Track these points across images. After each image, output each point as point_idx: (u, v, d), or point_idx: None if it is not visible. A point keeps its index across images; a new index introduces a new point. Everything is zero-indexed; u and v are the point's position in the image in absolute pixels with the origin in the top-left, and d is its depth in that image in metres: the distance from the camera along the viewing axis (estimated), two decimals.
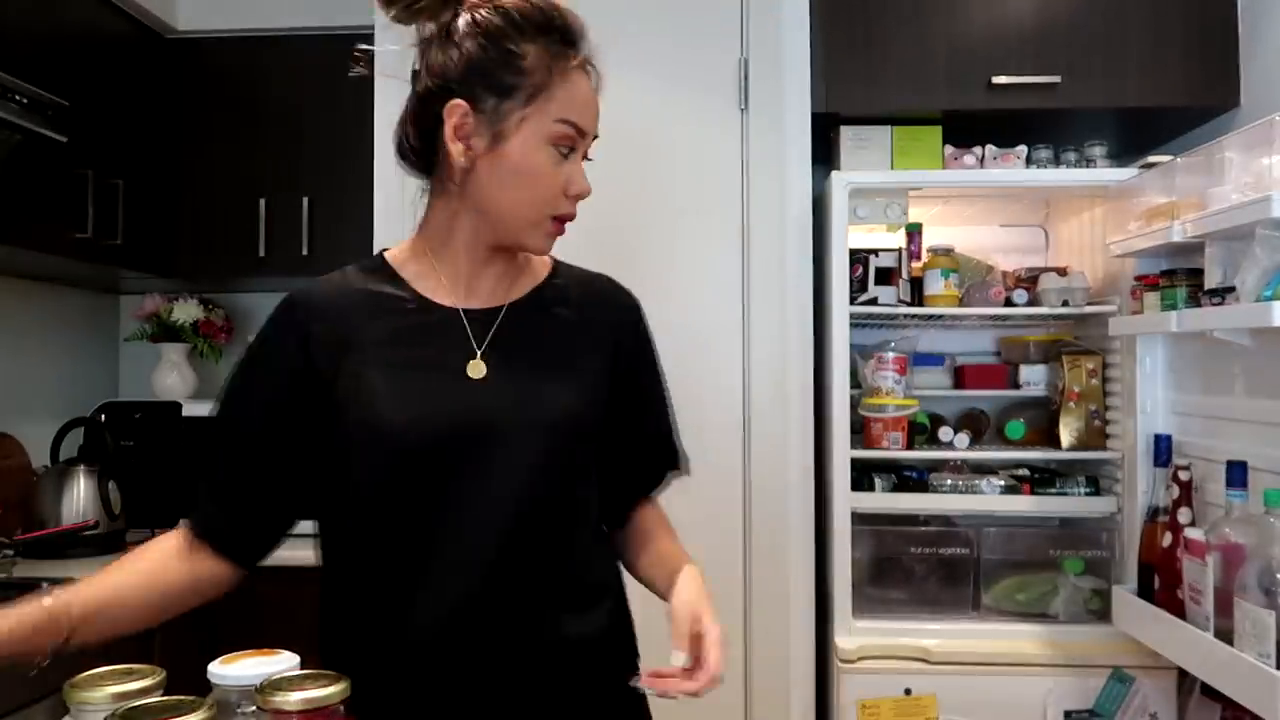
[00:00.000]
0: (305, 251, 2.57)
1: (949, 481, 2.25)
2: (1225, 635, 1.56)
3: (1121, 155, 2.42)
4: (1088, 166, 2.31)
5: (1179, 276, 1.85)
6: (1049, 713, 2.08)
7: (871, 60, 2.25)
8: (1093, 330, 2.32)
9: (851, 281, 2.23)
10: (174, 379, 2.79)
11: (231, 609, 1.73)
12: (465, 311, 1.08)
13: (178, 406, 2.65)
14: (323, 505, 1.08)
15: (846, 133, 2.31)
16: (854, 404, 2.23)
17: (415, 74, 1.08)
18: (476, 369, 1.06)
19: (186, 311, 2.78)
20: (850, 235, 2.22)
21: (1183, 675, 2.03)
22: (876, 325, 2.42)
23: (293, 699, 0.77)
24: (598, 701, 1.09)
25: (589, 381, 1.12)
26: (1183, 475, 1.82)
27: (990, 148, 2.29)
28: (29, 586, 1.88)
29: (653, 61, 2.29)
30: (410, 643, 1.02)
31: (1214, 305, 1.66)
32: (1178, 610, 1.74)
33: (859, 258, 2.28)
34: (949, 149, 2.29)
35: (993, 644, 2.12)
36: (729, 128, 2.31)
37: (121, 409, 2.66)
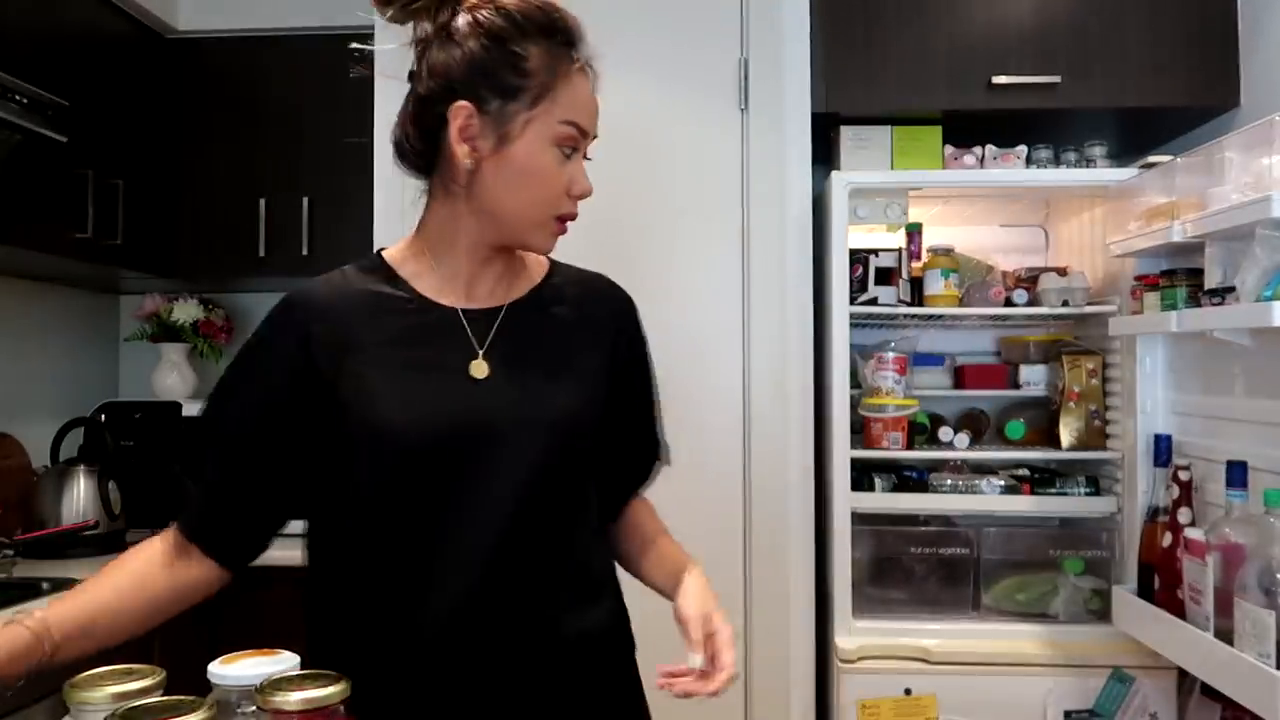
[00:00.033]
0: (305, 251, 2.58)
1: (949, 481, 2.25)
2: (1225, 635, 1.56)
3: (1121, 155, 2.42)
4: (1088, 166, 2.31)
5: (1179, 276, 1.85)
6: (1049, 713, 2.08)
7: (871, 60, 2.25)
8: (1093, 330, 2.32)
9: (851, 281, 2.23)
10: (174, 379, 2.80)
11: (231, 609, 1.74)
12: (465, 311, 1.09)
13: (178, 406, 2.66)
14: (318, 506, 1.08)
15: (846, 133, 2.31)
16: (854, 404, 2.23)
17: (413, 74, 1.08)
18: (479, 369, 1.06)
19: (186, 311, 2.78)
20: (850, 235, 2.22)
21: (1183, 675, 2.03)
22: (876, 325, 2.42)
23: (293, 699, 0.77)
24: (601, 695, 1.11)
25: (588, 380, 1.12)
26: (1183, 475, 1.82)
27: (990, 148, 2.29)
28: (29, 586, 1.91)
29: (653, 62, 2.29)
30: (413, 641, 1.02)
31: (1214, 305, 1.66)
32: (1178, 610, 1.74)
33: (859, 258, 2.28)
34: (949, 149, 2.29)
35: (993, 644, 2.12)
36: (729, 128, 2.30)
37: (121, 409, 2.66)
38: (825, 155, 2.36)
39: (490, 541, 1.03)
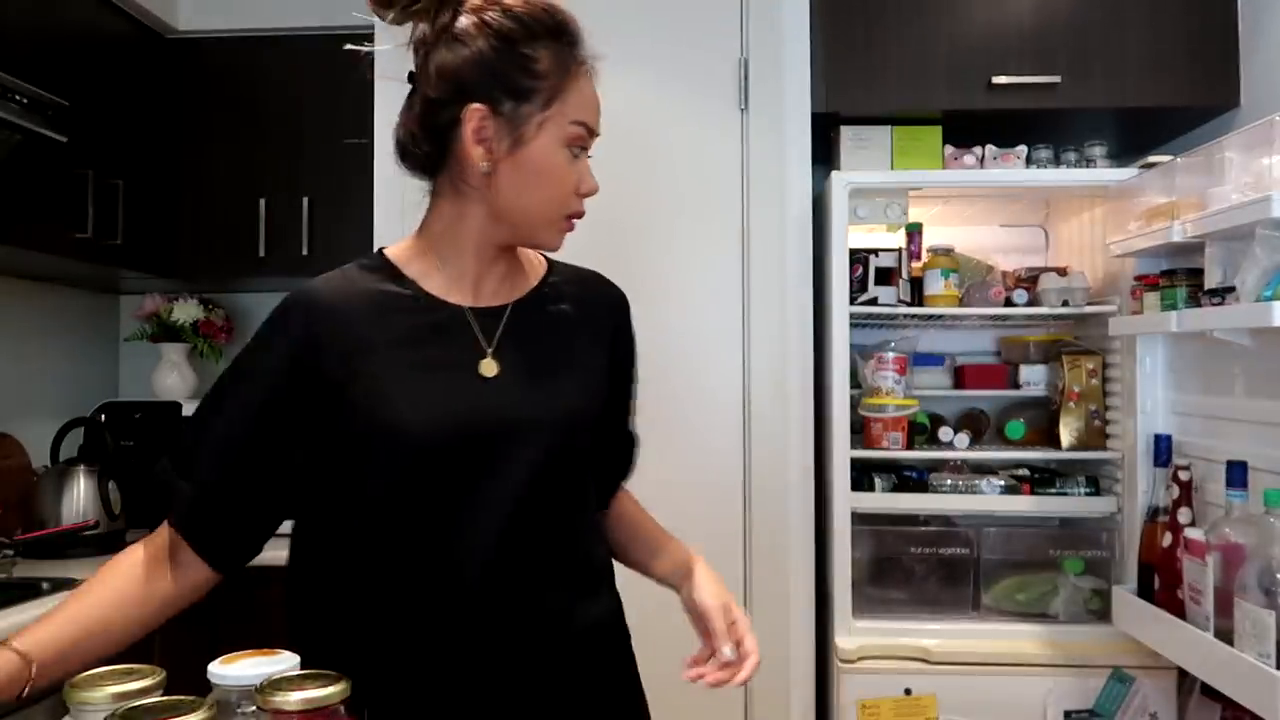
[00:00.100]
0: (305, 251, 2.58)
1: (949, 481, 2.25)
2: (1225, 635, 1.56)
3: (1121, 155, 2.42)
4: (1088, 166, 2.31)
5: (1179, 276, 1.85)
6: (1049, 713, 2.08)
7: (871, 60, 2.25)
8: (1093, 330, 2.32)
9: (851, 281, 2.23)
10: (174, 379, 2.80)
11: (231, 609, 1.75)
12: (472, 310, 1.09)
13: (178, 406, 2.66)
14: (316, 506, 1.08)
15: (846, 133, 2.31)
16: (854, 404, 2.23)
17: (413, 76, 1.08)
18: (489, 367, 1.07)
19: (186, 311, 2.78)
20: (850, 235, 2.22)
21: (1183, 675, 2.03)
22: (876, 325, 2.43)
23: (293, 699, 0.77)
24: (606, 683, 1.14)
25: (592, 377, 1.15)
26: (1183, 475, 1.82)
27: (990, 148, 2.29)
28: (29, 586, 1.91)
29: (653, 61, 2.29)
30: (427, 636, 1.02)
31: (1214, 305, 1.66)
32: (1178, 610, 1.74)
33: (859, 258, 2.28)
34: (949, 149, 2.29)
35: (993, 644, 2.12)
36: (729, 128, 2.30)
37: (121, 409, 2.66)
38: (825, 155, 2.36)
39: (497, 538, 1.03)
